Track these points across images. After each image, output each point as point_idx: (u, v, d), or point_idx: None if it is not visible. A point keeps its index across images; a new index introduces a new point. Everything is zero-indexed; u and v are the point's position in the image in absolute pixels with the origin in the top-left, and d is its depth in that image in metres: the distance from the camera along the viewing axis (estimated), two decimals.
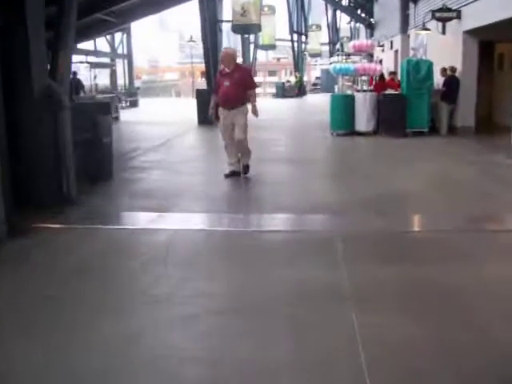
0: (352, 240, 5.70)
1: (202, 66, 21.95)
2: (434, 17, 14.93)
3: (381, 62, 23.58)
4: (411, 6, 20.94)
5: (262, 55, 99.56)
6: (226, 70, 8.88)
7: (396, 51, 24.71)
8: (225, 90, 8.77)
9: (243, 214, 7.06)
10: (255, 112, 8.96)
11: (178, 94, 73.43)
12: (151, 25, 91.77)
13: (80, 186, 7.55)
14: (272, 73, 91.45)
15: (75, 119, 7.48)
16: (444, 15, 14.83)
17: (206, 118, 19.34)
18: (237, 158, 9.16)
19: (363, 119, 14.99)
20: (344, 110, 15.00)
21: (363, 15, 34.94)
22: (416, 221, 6.91)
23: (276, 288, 4.48)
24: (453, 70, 14.62)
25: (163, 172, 10.18)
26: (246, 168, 9.24)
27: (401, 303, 4.19)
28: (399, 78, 16.16)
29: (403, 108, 14.54)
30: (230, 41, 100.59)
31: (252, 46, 34.89)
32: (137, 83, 39.15)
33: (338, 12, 50.89)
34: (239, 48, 33.06)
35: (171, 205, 7.35)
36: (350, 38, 43.29)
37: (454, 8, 14.94)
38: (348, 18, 43.98)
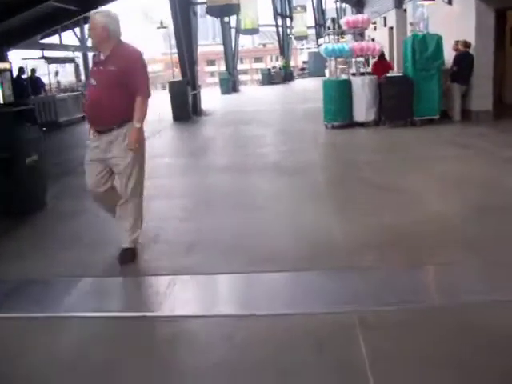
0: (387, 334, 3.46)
1: None
2: None
3: (373, 40, 21.39)
4: None
5: (247, 41, 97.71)
6: (101, 55, 4.79)
7: (391, 28, 22.43)
8: (91, 95, 4.92)
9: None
10: (132, 143, 4.73)
11: (164, 87, 70.94)
12: (134, 16, 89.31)
13: None
14: (258, 59, 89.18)
15: None
16: None
17: (181, 114, 17.38)
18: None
19: (362, 107, 12.76)
20: (339, 97, 12.75)
21: None
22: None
23: None
24: (466, 45, 12.36)
25: None
26: (129, 254, 4.91)
27: None
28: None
29: (410, 92, 12.32)
30: (208, 26, 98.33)
31: (234, 31, 32.44)
32: None
33: None
34: (219, 33, 30.67)
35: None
36: (334, 21, 40.85)
37: None
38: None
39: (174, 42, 34.07)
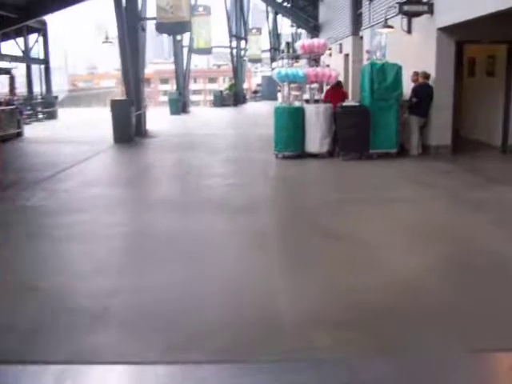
0: None
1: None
2: (401, 11, 11.97)
3: (328, 67, 20.75)
4: (365, 2, 18.06)
5: (202, 61, 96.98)
6: None
7: (346, 55, 21.88)
8: None
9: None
10: None
11: None
12: (87, 29, 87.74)
13: None
14: (212, 80, 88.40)
15: None
16: (413, 8, 11.90)
17: (123, 136, 16.15)
18: None
19: (316, 138, 11.88)
20: (291, 126, 11.84)
21: (306, 18, 32.09)
22: None
23: None
24: (426, 76, 11.68)
25: (31, 237, 6.25)
26: None
27: None
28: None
29: (367, 123, 11.53)
30: (164, 43, 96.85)
31: (186, 50, 31.38)
32: (59, 92, 34.99)
33: (280, 17, 48.25)
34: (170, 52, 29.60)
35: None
36: (289, 45, 40.43)
37: (424, 0, 12.05)
38: (290, 23, 41.14)
39: None
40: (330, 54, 24.36)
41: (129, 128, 15.88)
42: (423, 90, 11.69)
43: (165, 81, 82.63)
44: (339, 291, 4.49)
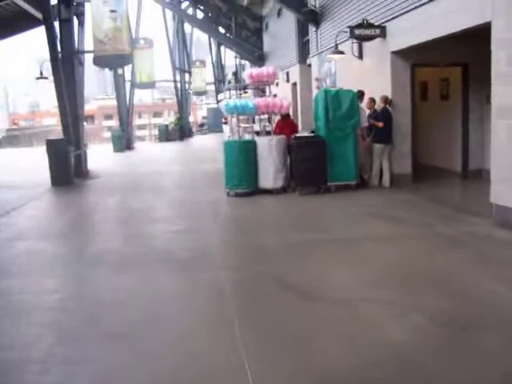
0: None
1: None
2: (352, 35, 11.34)
3: (275, 97, 20.10)
4: (311, 29, 17.52)
5: (146, 96, 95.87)
6: None
7: (294, 84, 21.30)
8: None
9: None
10: None
11: None
12: (30, 65, 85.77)
13: None
14: (157, 114, 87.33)
15: None
16: (365, 32, 11.28)
17: (61, 178, 14.94)
18: None
19: (269, 172, 11.03)
20: (243, 161, 10.95)
21: (251, 47, 31.61)
22: None
23: None
24: (386, 101, 11.00)
25: None
26: None
27: None
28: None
29: (323, 155, 10.75)
30: (107, 78, 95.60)
31: (128, 85, 30.29)
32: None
33: (223, 48, 47.87)
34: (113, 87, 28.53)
35: None
36: (236, 75, 39.89)
37: (376, 24, 11.48)
38: (233, 54, 40.65)
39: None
40: (277, 84, 23.78)
41: (67, 169, 14.69)
42: (386, 116, 11.00)
43: (109, 117, 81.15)
44: (315, 375, 3.54)
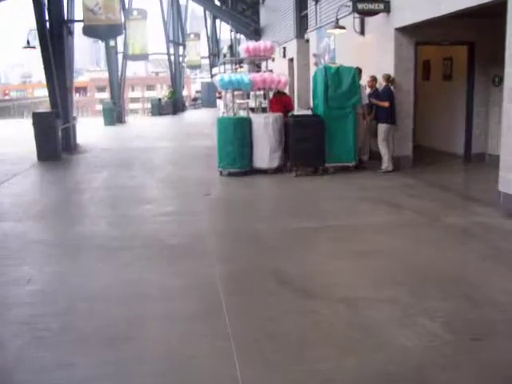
0: None
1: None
2: (355, 9, 10.77)
3: (270, 72, 19.53)
4: (310, 3, 16.88)
5: (140, 69, 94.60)
6: None
7: (291, 60, 20.68)
8: None
9: None
10: None
11: None
12: (23, 37, 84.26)
13: None
14: (151, 87, 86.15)
15: None
16: (368, 7, 10.72)
17: (48, 152, 14.36)
18: None
19: (265, 152, 10.55)
20: (237, 139, 10.45)
21: (247, 21, 30.86)
22: None
23: None
24: (389, 79, 10.46)
25: None
26: None
27: None
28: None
29: (321, 135, 10.27)
30: (100, 50, 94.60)
31: (121, 57, 29.48)
32: None
33: (218, 22, 46.95)
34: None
35: None
36: (231, 48, 39.06)
37: None
38: (229, 28, 39.73)
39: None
40: (273, 59, 23.14)
41: (54, 144, 14.11)
42: (389, 95, 10.45)
43: (102, 89, 80.00)
44: None
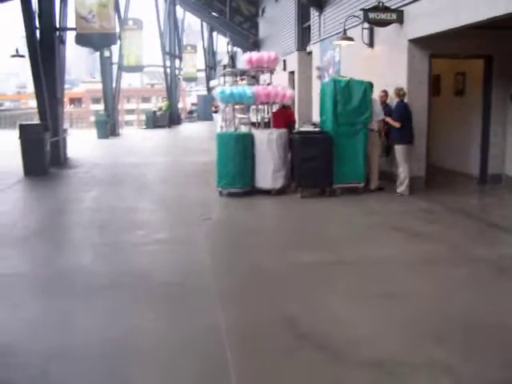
0: None
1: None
2: (366, 19, 10.03)
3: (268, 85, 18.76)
4: (314, 14, 16.18)
5: (135, 80, 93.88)
6: None
7: (291, 73, 19.95)
8: None
9: None
10: None
11: None
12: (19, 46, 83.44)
13: None
14: (146, 99, 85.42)
15: None
16: (381, 17, 9.98)
17: (34, 167, 13.50)
18: None
19: (268, 171, 9.76)
20: (239, 157, 9.65)
21: (246, 33, 30.17)
22: None
23: None
24: (400, 93, 9.64)
25: None
26: None
27: None
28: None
29: (329, 153, 9.48)
30: (96, 61, 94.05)
31: (115, 68, 28.67)
32: None
33: (215, 35, 46.31)
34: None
35: None
36: (233, 59, 38.34)
37: (392, 7, 10.17)
38: (226, 41, 38.99)
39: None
40: (272, 72, 22.43)
41: (42, 158, 13.26)
42: (403, 112, 9.61)
43: (97, 100, 79.16)
44: None
